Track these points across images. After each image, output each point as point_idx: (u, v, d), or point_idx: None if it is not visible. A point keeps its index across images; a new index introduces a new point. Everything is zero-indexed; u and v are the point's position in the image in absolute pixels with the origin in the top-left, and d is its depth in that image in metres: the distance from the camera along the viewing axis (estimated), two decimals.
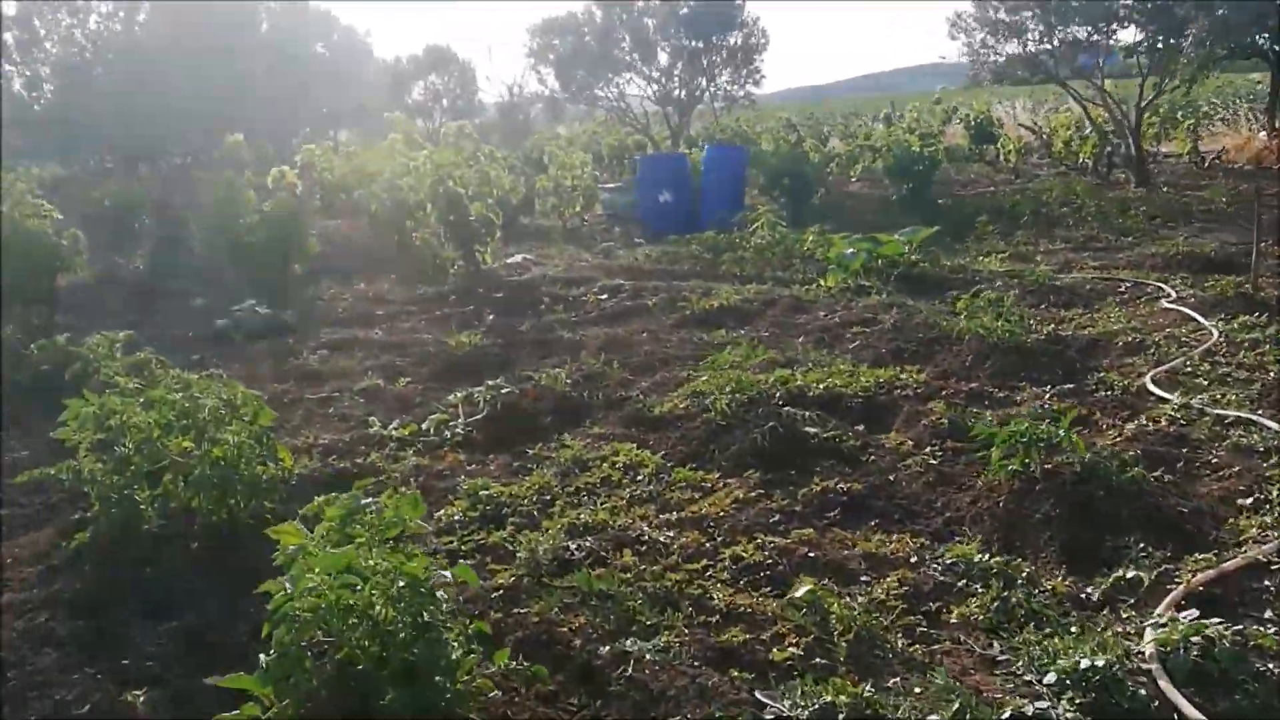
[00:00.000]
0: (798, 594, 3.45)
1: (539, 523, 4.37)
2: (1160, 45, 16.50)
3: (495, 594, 3.70)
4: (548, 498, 4.68)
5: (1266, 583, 3.46)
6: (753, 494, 4.52)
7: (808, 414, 5.32)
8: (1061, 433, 4.25)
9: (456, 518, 4.46)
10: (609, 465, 5.03)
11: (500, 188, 11.81)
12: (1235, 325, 7.02)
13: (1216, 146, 19.38)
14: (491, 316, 8.97)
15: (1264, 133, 20.31)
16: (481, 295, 9.89)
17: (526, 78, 53.31)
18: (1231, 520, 4.01)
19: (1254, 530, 3.83)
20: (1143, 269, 9.77)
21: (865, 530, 4.18)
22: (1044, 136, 21.11)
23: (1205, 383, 5.88)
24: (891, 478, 4.71)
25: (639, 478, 4.87)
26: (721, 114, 28.74)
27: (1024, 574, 3.59)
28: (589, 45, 26.90)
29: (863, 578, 3.73)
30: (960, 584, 3.60)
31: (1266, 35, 19.53)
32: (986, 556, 3.71)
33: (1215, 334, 6.77)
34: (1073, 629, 3.23)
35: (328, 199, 16.04)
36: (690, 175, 14.87)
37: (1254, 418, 5.04)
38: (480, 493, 4.64)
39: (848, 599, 3.51)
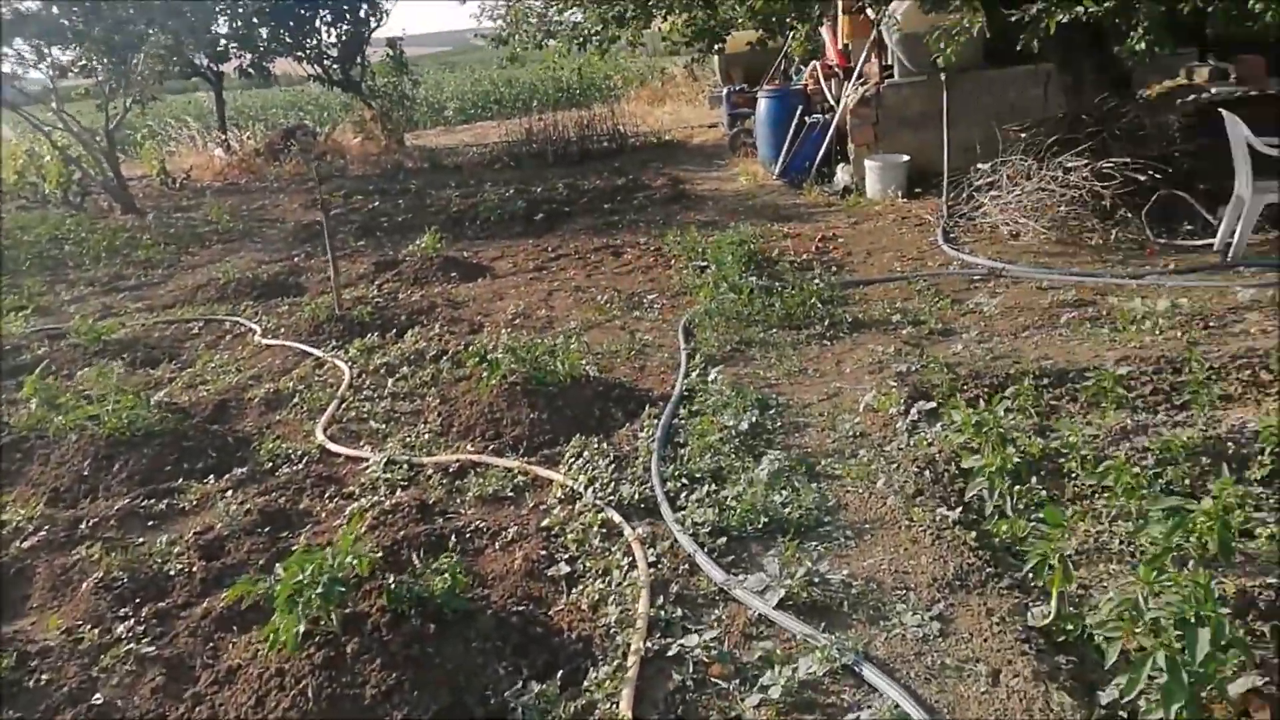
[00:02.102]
0: None
1: None
2: (110, 65, 15.22)
3: None
4: None
5: (676, 675, 2.83)
6: None
7: None
8: (353, 560, 3.04)
9: None
10: None
11: None
12: (355, 352, 6.45)
13: (185, 166, 19.00)
14: None
15: (220, 150, 20.58)
16: None
17: None
18: (569, 600, 3.31)
19: (612, 611, 3.17)
20: (198, 303, 8.64)
21: None
22: None
23: (383, 426, 5.14)
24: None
25: None
26: None
27: None
28: None
29: None
30: None
31: (205, 56, 19.66)
32: None
33: (345, 368, 6.09)
34: None
35: None
36: None
37: (482, 459, 4.46)
38: None
39: None
